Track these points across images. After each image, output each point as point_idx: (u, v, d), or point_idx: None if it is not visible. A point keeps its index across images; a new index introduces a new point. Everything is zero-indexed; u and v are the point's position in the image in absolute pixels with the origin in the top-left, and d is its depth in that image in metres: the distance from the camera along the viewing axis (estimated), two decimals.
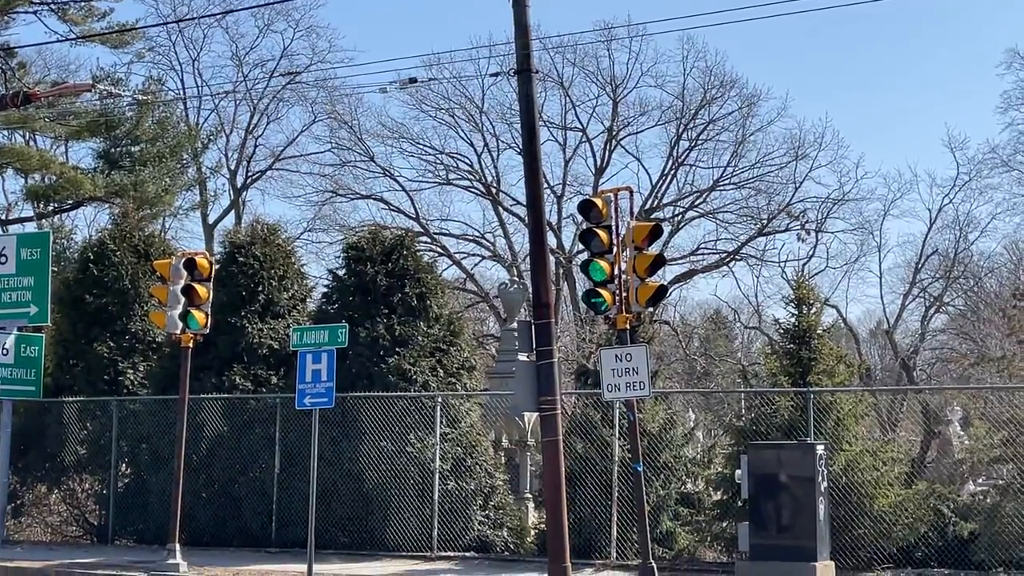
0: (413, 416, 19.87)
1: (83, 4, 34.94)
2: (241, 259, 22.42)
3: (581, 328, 38.36)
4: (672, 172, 47.50)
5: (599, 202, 15.51)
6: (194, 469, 20.58)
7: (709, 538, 18.71)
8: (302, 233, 47.65)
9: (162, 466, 21.12)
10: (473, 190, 48.67)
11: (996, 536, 16.54)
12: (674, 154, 47.12)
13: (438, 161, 48.31)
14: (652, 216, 43.09)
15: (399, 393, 19.99)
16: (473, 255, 48.85)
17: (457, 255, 47.74)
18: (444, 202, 78.85)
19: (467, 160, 48.12)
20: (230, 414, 21.18)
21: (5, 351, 22.13)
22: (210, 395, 21.23)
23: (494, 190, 47.78)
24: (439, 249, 45.92)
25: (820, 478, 15.68)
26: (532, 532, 20.49)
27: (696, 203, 47.53)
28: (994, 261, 47.00)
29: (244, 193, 50.06)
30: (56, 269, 27.55)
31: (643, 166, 60.92)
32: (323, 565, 17.83)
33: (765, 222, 46.17)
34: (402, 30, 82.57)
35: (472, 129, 47.63)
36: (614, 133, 47.62)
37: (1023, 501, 16.52)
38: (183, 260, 18.66)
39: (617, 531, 18.56)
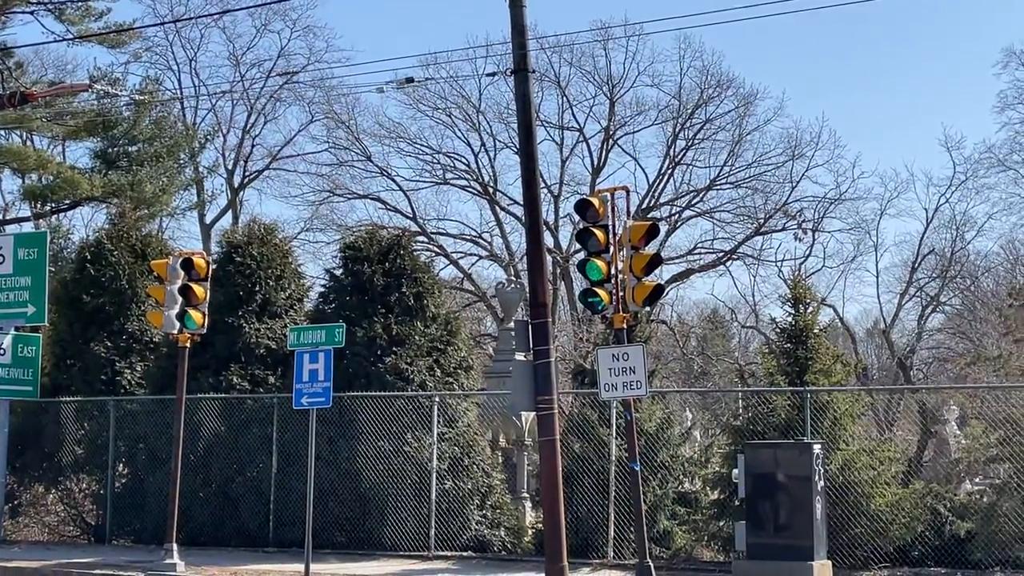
0: (410, 416, 19.88)
1: (80, 4, 34.97)
2: (238, 259, 22.42)
3: (578, 328, 38.29)
4: (669, 171, 47.58)
5: (596, 201, 15.51)
6: (191, 469, 20.58)
7: (706, 537, 18.71)
8: (299, 233, 47.72)
9: (159, 466, 21.12)
10: (470, 190, 48.74)
11: (993, 535, 16.57)
12: (671, 153, 47.18)
13: (435, 161, 48.39)
14: (649, 216, 43.09)
15: (396, 393, 19.99)
16: (470, 255, 48.97)
17: (454, 255, 47.82)
18: (441, 202, 79.12)
19: (464, 160, 48.22)
20: (227, 414, 21.18)
21: (2, 351, 22.13)
22: (207, 395, 21.24)
23: (491, 190, 47.80)
24: (436, 249, 45.92)
25: (817, 477, 15.70)
26: (529, 532, 20.51)
27: (693, 202, 47.60)
28: (990, 260, 47.21)
29: (241, 193, 50.11)
30: (53, 269, 27.57)
31: (640, 166, 61.14)
32: (320, 565, 17.84)
33: (762, 221, 46.21)
34: (399, 30, 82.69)
35: (469, 129, 47.73)
36: (611, 132, 47.65)
37: (1020, 500, 16.54)
38: (180, 260, 18.65)
39: (614, 530, 18.57)
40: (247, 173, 50.02)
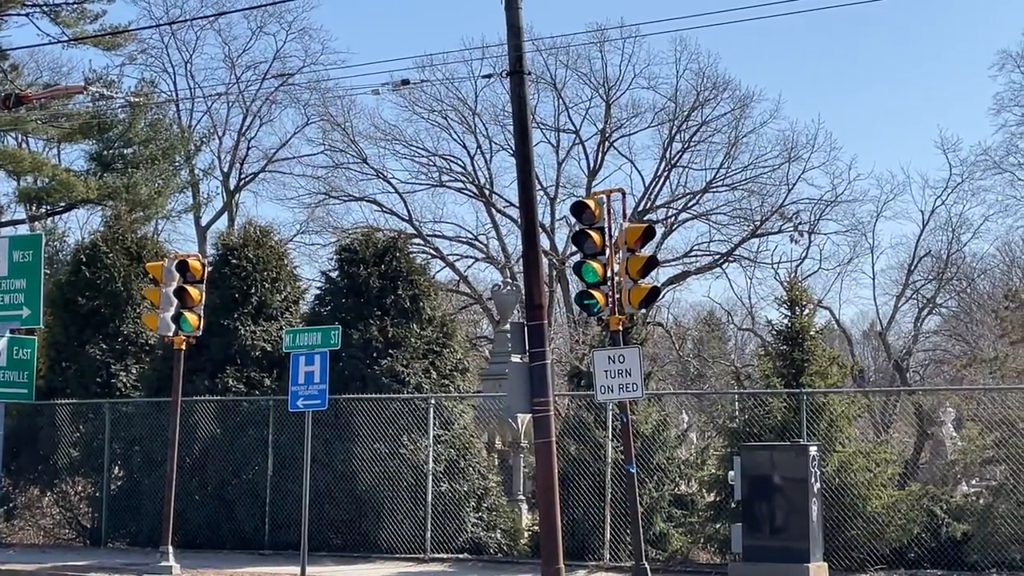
0: (406, 418, 19.87)
1: (75, 6, 35.00)
2: (234, 261, 22.40)
3: (574, 330, 38.33)
4: (665, 174, 47.54)
5: (592, 204, 15.51)
6: (187, 471, 20.57)
7: (702, 539, 18.70)
8: (295, 235, 47.60)
9: (155, 468, 21.11)
10: (466, 192, 48.70)
11: (989, 537, 16.58)
12: (667, 156, 47.14)
13: (431, 163, 48.33)
14: (645, 218, 43.10)
15: (392, 395, 19.98)
16: (466, 257, 48.90)
17: (450, 257, 47.76)
18: (437, 204, 78.63)
19: (460, 162, 48.17)
20: (223, 416, 21.17)
21: None
22: (203, 397, 21.22)
23: (487, 192, 47.78)
24: (432, 251, 45.88)
25: (813, 479, 15.69)
26: (525, 534, 20.49)
27: (689, 205, 47.58)
28: (986, 263, 47.21)
29: (237, 195, 49.98)
30: (48, 271, 27.50)
31: (636, 168, 60.60)
32: (316, 567, 17.82)
33: (758, 224, 46.20)
34: (395, 32, 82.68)
35: (465, 131, 47.67)
36: (607, 135, 47.63)
37: (1016, 502, 16.55)
38: (176, 262, 18.63)
39: (610, 533, 18.56)
40: (243, 175, 49.98)
